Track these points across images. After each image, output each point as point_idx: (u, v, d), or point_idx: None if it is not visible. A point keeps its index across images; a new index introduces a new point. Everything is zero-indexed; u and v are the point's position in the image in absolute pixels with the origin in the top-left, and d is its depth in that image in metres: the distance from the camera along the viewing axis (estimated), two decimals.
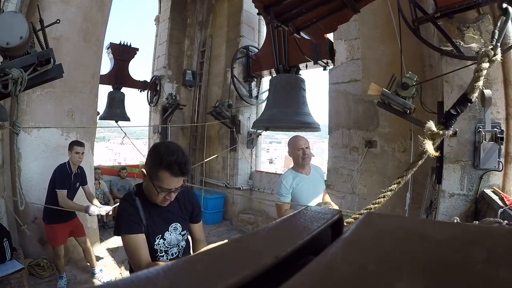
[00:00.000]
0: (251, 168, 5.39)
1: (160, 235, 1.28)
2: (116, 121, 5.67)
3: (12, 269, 2.47)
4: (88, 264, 3.23)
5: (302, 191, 2.04)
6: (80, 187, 3.07)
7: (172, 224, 1.31)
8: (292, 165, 2.21)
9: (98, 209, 2.88)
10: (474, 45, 2.16)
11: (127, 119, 5.94)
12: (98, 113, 4.66)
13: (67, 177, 2.86)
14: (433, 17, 1.99)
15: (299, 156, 2.07)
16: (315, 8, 1.52)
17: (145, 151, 6.55)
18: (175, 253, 1.34)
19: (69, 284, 3.00)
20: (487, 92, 2.02)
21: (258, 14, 1.65)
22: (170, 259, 1.31)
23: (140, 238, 1.18)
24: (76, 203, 2.90)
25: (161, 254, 1.29)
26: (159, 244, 1.27)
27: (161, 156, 1.16)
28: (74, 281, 3.05)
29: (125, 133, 4.95)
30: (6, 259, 2.53)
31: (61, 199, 2.76)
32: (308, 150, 2.10)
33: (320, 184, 2.19)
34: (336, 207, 2.04)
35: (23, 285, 2.48)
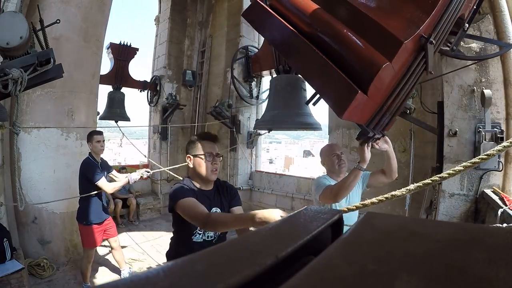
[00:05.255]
0: (251, 168, 5.38)
1: None
2: (116, 121, 5.67)
3: (12, 269, 2.47)
4: (117, 264, 3.21)
5: None
6: (108, 175, 3.03)
7: (213, 208, 1.48)
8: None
9: (136, 174, 2.89)
10: (474, 45, 2.16)
11: (127, 119, 5.93)
12: (98, 113, 4.66)
13: (97, 167, 2.82)
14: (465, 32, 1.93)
15: (335, 162, 1.96)
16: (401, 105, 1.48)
17: (145, 151, 6.57)
18: (211, 236, 1.48)
19: (69, 284, 3.00)
20: (487, 92, 2.03)
21: (358, 139, 1.60)
22: (205, 240, 1.46)
23: (195, 200, 1.37)
24: (115, 182, 2.90)
25: (199, 232, 1.45)
26: None
27: (196, 136, 1.57)
28: (74, 281, 3.05)
29: (123, 133, 4.95)
30: (6, 259, 2.53)
31: (106, 187, 2.75)
32: (343, 156, 2.00)
33: (355, 191, 1.98)
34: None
35: (23, 285, 2.47)
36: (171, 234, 1.60)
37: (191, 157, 1.50)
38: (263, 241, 0.31)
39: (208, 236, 1.47)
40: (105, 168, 2.99)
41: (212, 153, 1.49)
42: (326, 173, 2.06)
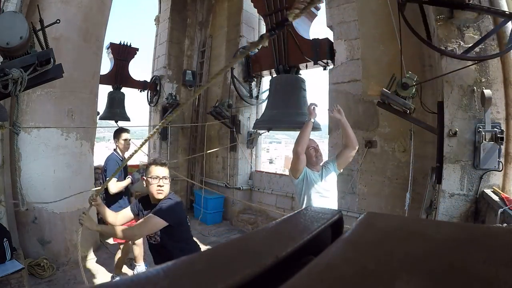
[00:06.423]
0: (251, 168, 5.38)
1: None
2: (116, 121, 5.67)
3: (12, 269, 2.47)
4: (134, 259, 3.24)
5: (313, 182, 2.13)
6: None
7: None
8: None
9: (138, 174, 3.03)
10: None
11: (127, 119, 5.93)
12: (98, 113, 4.66)
13: (118, 164, 2.87)
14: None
15: (312, 155, 2.16)
16: None
17: (146, 150, 6.56)
18: (154, 241, 1.85)
19: (69, 284, 3.00)
20: (487, 92, 2.02)
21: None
22: (150, 243, 1.88)
23: (128, 210, 2.02)
24: (119, 182, 2.94)
25: (148, 238, 1.86)
26: None
27: (149, 161, 2.00)
28: (74, 281, 3.05)
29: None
30: (6, 259, 2.53)
31: (111, 186, 2.79)
32: (319, 148, 2.22)
33: (330, 175, 2.23)
34: None
35: (23, 285, 2.47)
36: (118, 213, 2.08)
37: (145, 178, 1.91)
38: (263, 241, 0.31)
39: (152, 241, 1.85)
40: (125, 167, 3.08)
41: (159, 176, 1.84)
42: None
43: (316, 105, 2.17)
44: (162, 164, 1.89)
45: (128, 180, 2.94)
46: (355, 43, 3.69)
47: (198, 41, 6.28)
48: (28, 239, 3.20)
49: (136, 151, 1.42)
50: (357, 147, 2.23)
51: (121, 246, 2.96)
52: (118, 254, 2.98)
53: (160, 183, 1.82)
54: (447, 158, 2.22)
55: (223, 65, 5.58)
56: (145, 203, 1.95)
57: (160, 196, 1.83)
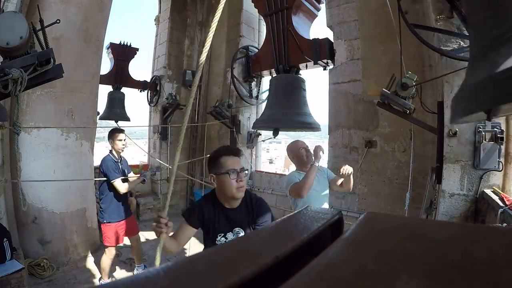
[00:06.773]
0: (251, 168, 5.38)
1: (223, 234, 1.43)
2: (116, 121, 5.67)
3: (12, 269, 2.47)
4: (134, 260, 3.29)
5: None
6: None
7: (236, 229, 1.44)
8: (294, 168, 2.36)
9: (149, 173, 3.09)
10: None
11: (127, 119, 5.93)
12: (98, 113, 4.66)
13: (116, 165, 2.88)
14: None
15: (303, 154, 2.26)
16: None
17: (146, 150, 6.56)
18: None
19: (69, 284, 3.00)
20: None
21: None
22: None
23: (187, 228, 1.43)
24: (128, 182, 2.96)
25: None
26: (220, 241, 1.43)
27: (216, 152, 1.47)
28: (74, 281, 3.05)
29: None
30: (6, 259, 2.53)
31: (120, 187, 2.79)
32: (309, 149, 2.34)
33: (323, 179, 2.32)
34: None
35: (23, 285, 2.47)
36: (170, 234, 1.64)
37: (214, 176, 1.44)
38: (263, 241, 0.31)
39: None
40: (125, 166, 3.06)
41: (236, 170, 1.40)
42: (296, 168, 2.35)
43: (323, 151, 2.24)
44: (237, 153, 1.48)
45: (137, 180, 2.93)
46: (355, 43, 3.69)
47: (198, 41, 6.28)
48: (28, 239, 3.21)
49: (169, 179, 1.38)
50: (350, 191, 2.38)
51: (106, 250, 2.91)
52: (104, 258, 2.91)
53: (240, 178, 1.40)
54: (447, 158, 2.22)
55: (223, 65, 5.58)
56: (217, 208, 1.47)
57: (241, 195, 1.43)
